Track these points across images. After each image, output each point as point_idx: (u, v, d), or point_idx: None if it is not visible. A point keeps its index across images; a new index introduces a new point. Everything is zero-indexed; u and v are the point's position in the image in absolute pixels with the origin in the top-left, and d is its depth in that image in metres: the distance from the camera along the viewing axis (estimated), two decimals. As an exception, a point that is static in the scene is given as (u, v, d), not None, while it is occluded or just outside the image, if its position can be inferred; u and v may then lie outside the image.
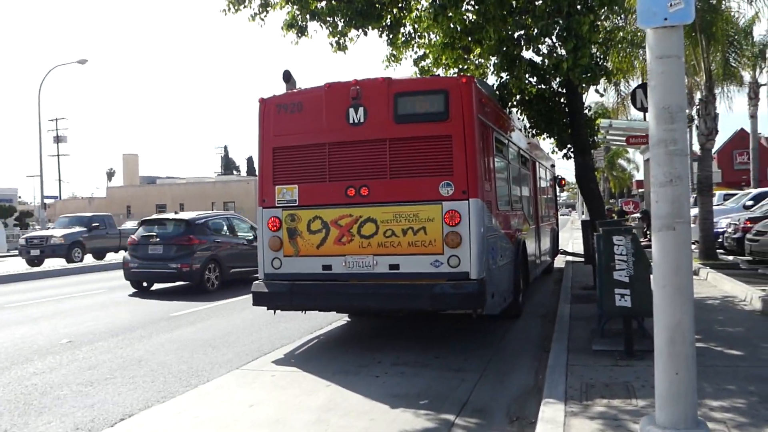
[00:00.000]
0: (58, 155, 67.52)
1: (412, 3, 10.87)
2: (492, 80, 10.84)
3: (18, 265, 23.95)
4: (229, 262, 15.35)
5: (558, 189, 20.04)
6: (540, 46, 9.79)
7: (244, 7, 10.44)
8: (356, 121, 7.77)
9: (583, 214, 45.62)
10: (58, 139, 68.52)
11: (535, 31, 9.07)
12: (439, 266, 7.39)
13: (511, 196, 10.12)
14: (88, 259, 25.21)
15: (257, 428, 5.37)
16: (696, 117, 14.80)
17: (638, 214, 24.96)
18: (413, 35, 11.45)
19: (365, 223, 7.69)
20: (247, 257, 15.33)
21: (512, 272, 9.35)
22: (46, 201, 49.02)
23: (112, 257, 26.17)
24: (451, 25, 9.69)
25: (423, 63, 11.40)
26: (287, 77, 8.58)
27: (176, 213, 18.11)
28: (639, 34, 14.68)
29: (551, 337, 7.76)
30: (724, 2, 14.20)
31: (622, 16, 13.91)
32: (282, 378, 6.90)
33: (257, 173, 8.55)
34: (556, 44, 9.48)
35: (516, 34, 9.68)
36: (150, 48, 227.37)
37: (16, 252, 26.91)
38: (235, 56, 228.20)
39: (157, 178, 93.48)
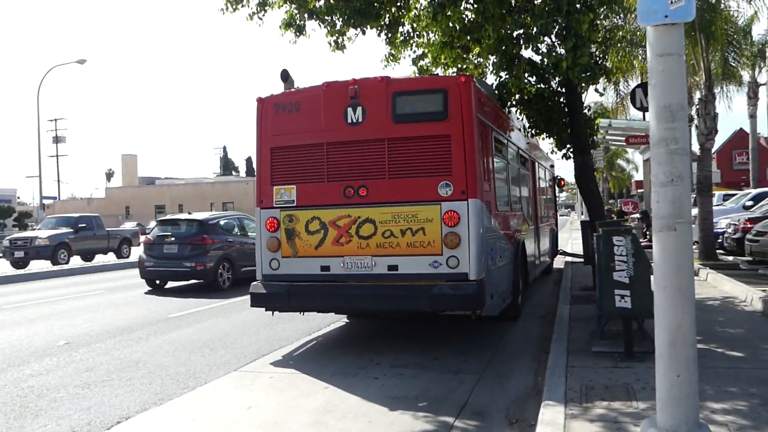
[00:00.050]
0: (57, 156, 67.48)
1: (411, 2, 10.83)
2: (491, 79, 10.80)
3: (7, 267, 23.70)
4: (241, 261, 15.53)
5: (557, 189, 20.00)
6: (539, 45, 9.75)
7: (242, 6, 10.40)
8: (354, 120, 7.73)
9: (582, 214, 45.63)
10: (57, 140, 68.46)
11: (535, 29, 9.03)
12: (437, 267, 7.35)
13: (510, 197, 10.08)
14: (76, 261, 24.61)
15: (255, 430, 5.33)
16: (695, 117, 14.75)
17: (638, 215, 24.99)
18: (412, 34, 11.41)
19: (364, 224, 7.65)
20: None
21: (511, 273, 9.31)
22: (45, 202, 48.98)
23: (101, 259, 25.64)
24: (450, 24, 9.65)
25: (422, 62, 11.35)
26: (285, 76, 8.53)
27: (189, 213, 18.56)
28: (638, 33, 14.65)
29: (551, 339, 7.72)
30: (723, 1, 14.18)
31: (622, 15, 13.87)
32: (280, 380, 6.86)
33: (255, 174, 8.50)
34: (556, 43, 9.44)
35: (515, 33, 9.64)
36: (148, 48, 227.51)
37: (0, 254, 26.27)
38: (233, 56, 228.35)
39: (156, 178, 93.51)
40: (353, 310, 9.37)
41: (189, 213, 19.00)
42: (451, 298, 7.22)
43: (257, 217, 8.31)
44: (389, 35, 11.27)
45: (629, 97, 18.59)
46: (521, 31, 9.53)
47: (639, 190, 45.28)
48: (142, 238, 16.15)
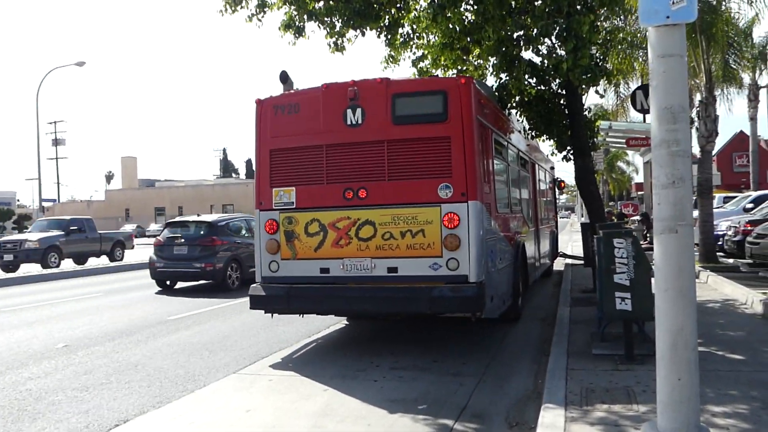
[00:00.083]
0: (56, 158, 67.41)
1: (411, 3, 10.81)
2: (491, 81, 10.78)
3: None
4: (249, 262, 15.53)
5: (557, 191, 19.98)
6: (539, 46, 9.74)
7: (241, 7, 10.39)
8: (354, 122, 7.70)
9: (582, 216, 45.62)
10: (56, 142, 68.37)
11: (535, 31, 9.00)
12: (437, 269, 7.32)
13: (510, 199, 10.06)
14: (68, 265, 24.23)
15: (253, 434, 5.30)
16: (696, 119, 14.73)
17: (638, 217, 24.98)
18: (412, 36, 11.39)
19: (363, 226, 7.62)
20: None
21: (511, 275, 9.28)
22: (45, 204, 48.94)
23: (94, 262, 25.19)
24: (450, 26, 9.63)
25: (422, 64, 11.33)
26: (284, 78, 8.51)
27: (198, 215, 18.92)
28: (639, 35, 14.63)
29: (551, 341, 7.69)
30: (724, 3, 14.15)
31: (622, 16, 13.85)
32: (279, 382, 6.83)
33: (254, 175, 8.48)
34: (556, 45, 9.42)
35: (515, 35, 9.62)
36: (148, 50, 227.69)
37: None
38: (232, 58, 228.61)
39: (155, 181, 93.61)
40: (353, 312, 9.33)
41: (198, 215, 19.28)
42: (451, 300, 7.19)
43: (256, 219, 8.28)
44: (389, 37, 11.26)
45: (630, 99, 18.60)
46: (521, 32, 9.51)
47: (639, 193, 45.24)
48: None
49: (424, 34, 11.11)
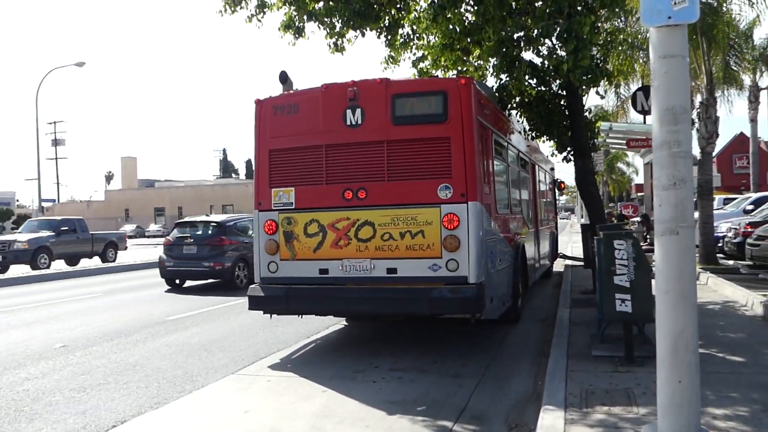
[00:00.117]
0: (56, 158, 67.36)
1: (411, 4, 10.80)
2: (491, 82, 10.78)
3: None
4: None
5: (557, 192, 19.97)
6: (540, 47, 9.73)
7: (241, 8, 10.38)
8: (353, 122, 7.68)
9: (582, 217, 45.64)
10: (56, 142, 68.31)
11: (535, 32, 9.00)
12: (437, 270, 7.30)
13: (510, 200, 10.04)
14: (57, 266, 23.69)
15: (251, 435, 5.28)
16: (696, 120, 14.71)
17: (638, 218, 24.97)
18: (412, 36, 11.38)
19: (363, 227, 7.59)
20: None
21: (511, 276, 9.26)
22: (45, 204, 48.92)
23: (87, 264, 24.83)
24: (450, 26, 9.62)
25: (422, 64, 11.32)
26: (284, 78, 8.49)
27: (207, 216, 19.19)
28: (639, 36, 14.63)
29: (550, 342, 7.67)
30: (725, 4, 14.14)
31: (623, 17, 13.85)
32: (278, 383, 6.80)
33: (254, 176, 8.46)
34: (557, 45, 9.41)
35: (516, 36, 9.60)
36: (147, 50, 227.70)
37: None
38: (232, 58, 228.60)
39: (155, 181, 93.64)
40: (352, 313, 9.30)
41: (207, 215, 19.54)
42: (451, 301, 7.17)
43: (255, 220, 8.25)
44: (389, 37, 11.24)
45: (630, 100, 18.59)
46: (522, 33, 9.50)
47: (639, 194, 45.26)
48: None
49: (425, 35, 11.10)
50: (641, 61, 15.58)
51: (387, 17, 10.81)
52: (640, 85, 16.88)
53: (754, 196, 22.12)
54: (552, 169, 18.55)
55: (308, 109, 7.94)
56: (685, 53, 3.68)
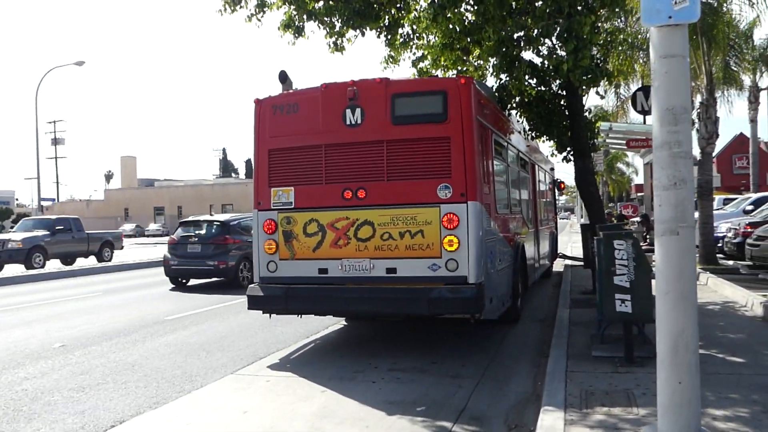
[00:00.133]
0: (55, 157, 67.34)
1: (411, 3, 10.79)
2: (491, 82, 10.77)
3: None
4: None
5: (557, 192, 19.97)
6: (540, 47, 9.72)
7: (241, 7, 10.37)
8: (353, 122, 7.67)
9: (582, 217, 45.64)
10: (55, 142, 68.31)
11: (536, 31, 8.98)
12: (436, 270, 7.28)
13: (510, 200, 10.03)
14: (55, 265, 23.61)
15: (250, 436, 5.27)
16: (696, 121, 14.70)
17: (638, 219, 24.96)
18: (412, 36, 11.38)
19: (362, 226, 7.58)
20: None
21: (511, 276, 9.25)
22: (44, 203, 48.88)
23: (83, 263, 24.64)
24: (450, 26, 9.61)
25: (421, 64, 11.31)
26: (283, 78, 8.48)
27: (211, 215, 19.32)
28: (639, 36, 14.62)
29: (550, 343, 7.65)
30: (725, 5, 14.13)
31: (623, 17, 13.83)
32: (277, 383, 6.79)
33: (253, 175, 8.45)
34: (557, 45, 9.39)
35: (516, 35, 9.59)
36: (147, 49, 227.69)
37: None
38: (232, 57, 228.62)
39: (155, 180, 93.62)
40: (351, 313, 9.29)
41: (211, 214, 19.65)
42: (450, 301, 7.16)
43: (254, 219, 8.24)
44: (389, 37, 11.23)
45: (630, 100, 18.58)
46: (522, 33, 9.49)
47: (639, 194, 45.27)
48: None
49: (424, 35, 11.09)
50: (641, 61, 15.58)
51: (387, 17, 10.79)
52: (640, 85, 16.89)
53: (754, 196, 22.11)
54: (552, 169, 18.54)
55: (308, 108, 7.93)
56: (686, 53, 3.67)
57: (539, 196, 14.57)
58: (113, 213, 77.86)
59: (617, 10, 10.38)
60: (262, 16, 10.47)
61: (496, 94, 10.21)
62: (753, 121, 29.54)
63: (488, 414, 5.60)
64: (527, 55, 10.07)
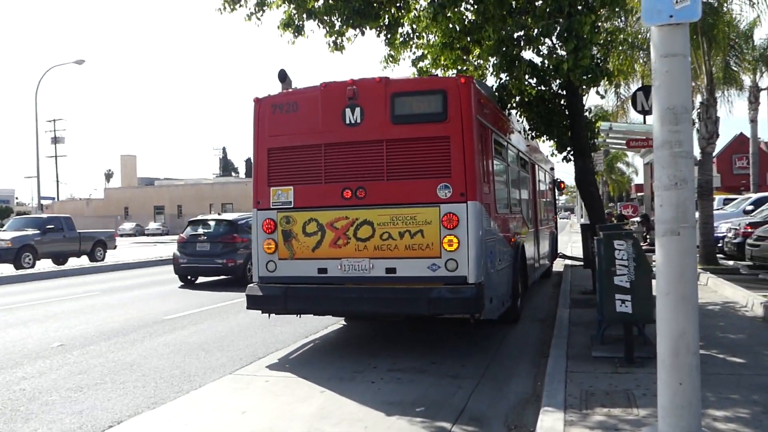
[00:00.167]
0: (55, 156, 67.34)
1: (411, 2, 10.77)
2: (491, 81, 10.74)
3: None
4: None
5: (557, 192, 19.95)
6: (540, 46, 9.69)
7: (240, 6, 10.34)
8: (353, 121, 7.64)
9: (582, 217, 45.62)
10: (55, 140, 68.33)
11: (536, 31, 8.96)
12: (436, 270, 7.26)
13: (509, 199, 10.00)
14: (46, 264, 23.26)
15: (248, 436, 5.24)
16: (697, 120, 14.68)
17: (638, 219, 24.93)
18: (411, 35, 11.35)
19: (361, 226, 7.56)
20: None
21: (511, 276, 9.23)
22: (44, 202, 48.90)
23: (75, 262, 24.26)
24: (450, 25, 9.58)
25: (421, 63, 11.28)
26: (283, 77, 8.45)
27: (220, 214, 19.82)
28: (639, 36, 14.60)
29: (550, 343, 7.63)
30: (725, 5, 14.11)
31: (623, 17, 13.81)
32: (276, 384, 6.77)
33: (252, 174, 8.42)
34: (557, 45, 9.37)
35: (516, 35, 9.56)
36: (147, 48, 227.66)
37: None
38: (232, 56, 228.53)
39: (155, 179, 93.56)
40: (350, 313, 9.26)
41: (219, 213, 20.06)
42: (450, 301, 7.13)
43: (253, 219, 8.23)
44: (389, 36, 11.21)
45: (630, 100, 18.56)
46: (522, 32, 9.47)
47: (639, 194, 45.25)
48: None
49: (424, 34, 11.06)
50: (641, 61, 15.56)
51: (387, 16, 10.77)
52: (640, 85, 16.87)
53: (754, 196, 22.10)
54: (552, 168, 18.52)
55: (307, 107, 7.90)
56: (687, 52, 3.65)
57: (539, 196, 14.55)
58: (113, 212, 77.81)
59: (617, 9, 10.36)
60: (261, 15, 10.45)
61: (496, 93, 10.18)
62: (753, 121, 29.53)
63: (488, 414, 5.58)
64: (527, 54, 10.05)
